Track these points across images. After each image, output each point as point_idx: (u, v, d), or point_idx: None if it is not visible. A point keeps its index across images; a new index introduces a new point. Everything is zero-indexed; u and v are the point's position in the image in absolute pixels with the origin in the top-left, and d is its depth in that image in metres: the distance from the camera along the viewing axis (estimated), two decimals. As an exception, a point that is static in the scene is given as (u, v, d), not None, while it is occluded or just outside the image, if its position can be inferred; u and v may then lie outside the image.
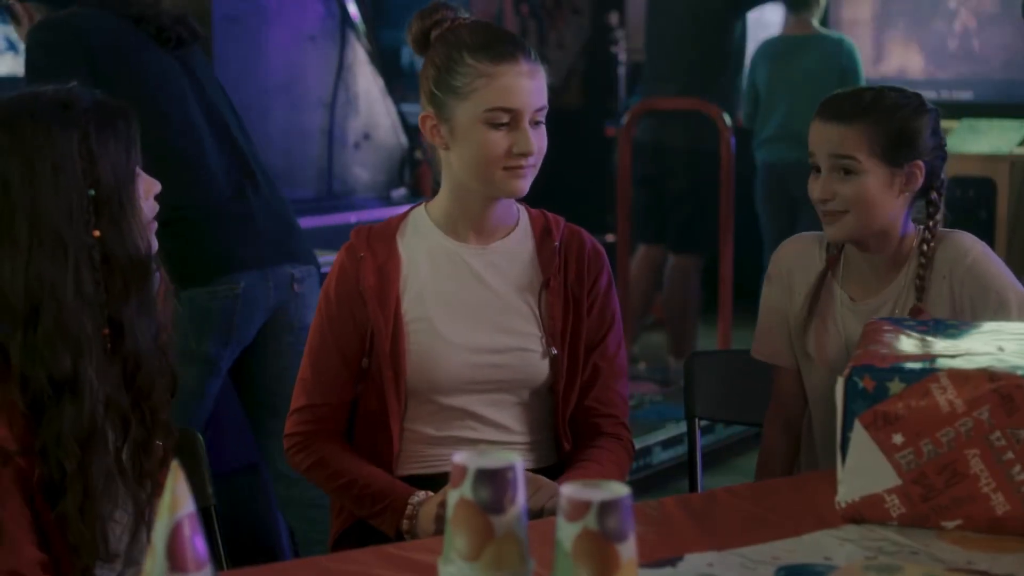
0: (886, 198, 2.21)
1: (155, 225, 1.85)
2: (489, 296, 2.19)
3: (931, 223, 2.25)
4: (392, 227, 2.23)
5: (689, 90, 5.40)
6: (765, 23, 6.55)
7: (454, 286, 2.19)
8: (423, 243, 2.20)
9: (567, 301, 2.21)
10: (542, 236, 2.23)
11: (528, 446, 2.22)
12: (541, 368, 2.19)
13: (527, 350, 2.18)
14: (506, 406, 2.19)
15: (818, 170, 2.24)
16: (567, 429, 2.23)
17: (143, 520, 1.84)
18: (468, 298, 2.18)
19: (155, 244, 1.84)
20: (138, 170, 1.81)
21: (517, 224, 2.24)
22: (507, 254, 2.21)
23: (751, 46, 5.86)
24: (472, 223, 2.19)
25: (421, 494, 2.09)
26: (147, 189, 1.83)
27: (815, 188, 2.24)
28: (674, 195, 5.57)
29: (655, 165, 5.56)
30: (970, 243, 2.25)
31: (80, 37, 2.82)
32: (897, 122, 2.20)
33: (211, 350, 2.84)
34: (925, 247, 2.23)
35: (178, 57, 2.95)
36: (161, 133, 2.83)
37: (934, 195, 2.26)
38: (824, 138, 2.23)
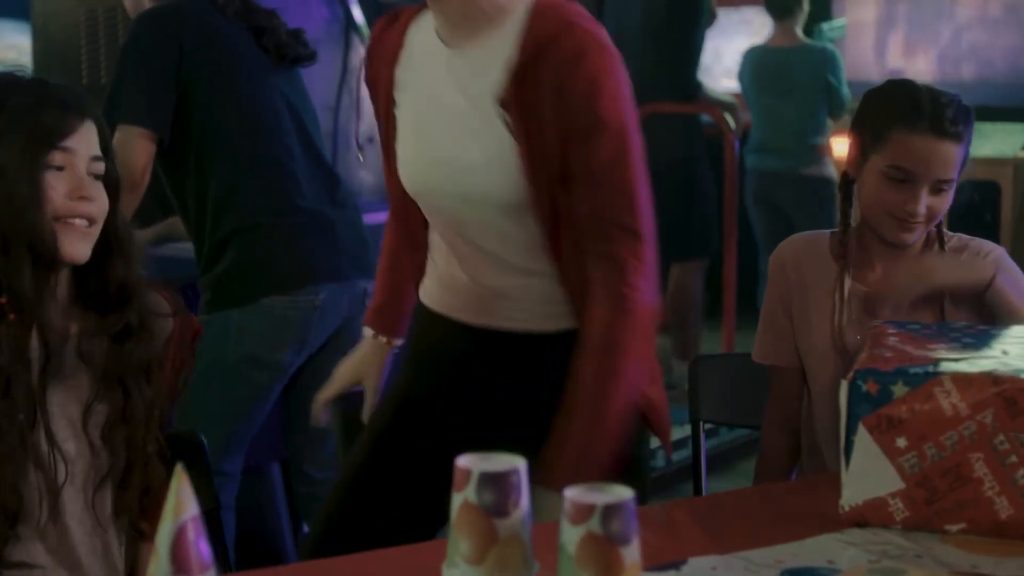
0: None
1: (80, 224, 1.87)
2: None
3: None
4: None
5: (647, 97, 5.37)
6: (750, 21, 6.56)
7: (434, 89, 2.05)
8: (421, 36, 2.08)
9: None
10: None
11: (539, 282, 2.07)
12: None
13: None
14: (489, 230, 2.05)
15: (905, 181, 2.19)
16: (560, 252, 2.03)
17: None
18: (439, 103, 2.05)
19: (65, 241, 1.86)
20: (59, 164, 1.85)
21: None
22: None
23: (738, 49, 5.85)
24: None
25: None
26: (74, 188, 1.86)
27: (911, 201, 2.18)
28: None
29: None
30: (989, 247, 2.27)
31: (178, 34, 2.78)
32: (970, 136, 2.23)
33: (285, 359, 2.82)
34: (945, 237, 2.26)
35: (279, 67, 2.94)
36: (252, 138, 2.83)
37: None
38: (934, 156, 2.17)
